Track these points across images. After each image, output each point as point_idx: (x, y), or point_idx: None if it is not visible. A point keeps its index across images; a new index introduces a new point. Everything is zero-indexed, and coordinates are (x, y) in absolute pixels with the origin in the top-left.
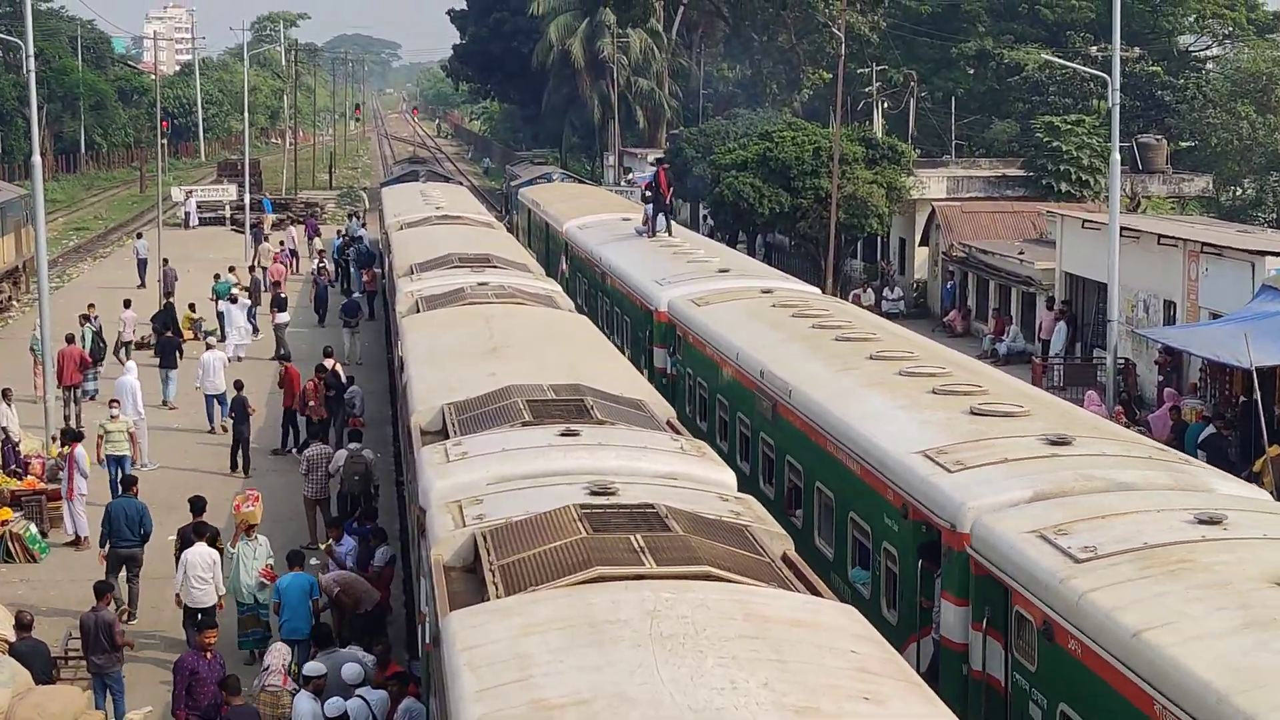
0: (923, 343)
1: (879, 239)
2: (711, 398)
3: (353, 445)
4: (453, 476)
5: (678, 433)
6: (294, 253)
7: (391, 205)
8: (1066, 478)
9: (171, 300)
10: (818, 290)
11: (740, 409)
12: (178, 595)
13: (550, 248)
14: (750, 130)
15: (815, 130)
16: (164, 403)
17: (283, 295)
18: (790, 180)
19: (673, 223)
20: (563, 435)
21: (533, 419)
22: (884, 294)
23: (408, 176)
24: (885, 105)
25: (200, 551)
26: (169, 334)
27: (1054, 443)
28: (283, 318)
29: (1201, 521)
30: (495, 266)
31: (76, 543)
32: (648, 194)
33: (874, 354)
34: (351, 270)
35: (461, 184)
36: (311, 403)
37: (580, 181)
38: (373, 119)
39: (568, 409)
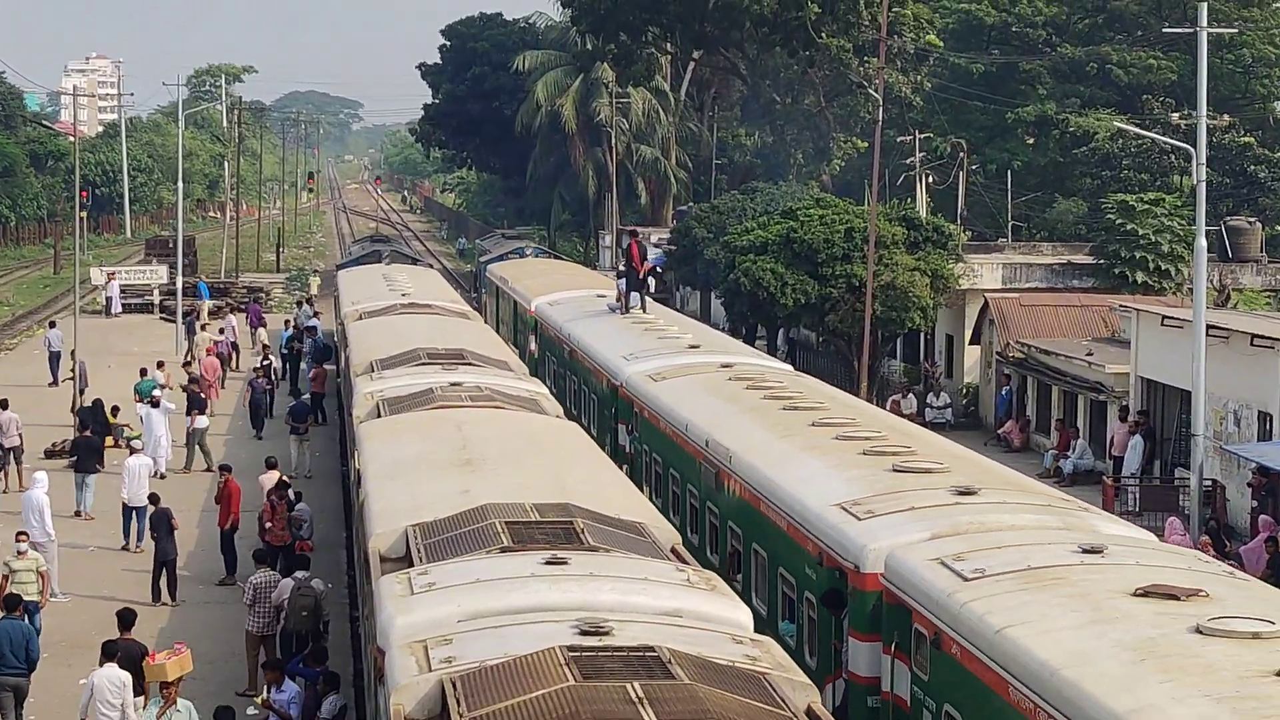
0: (870, 411)
1: (922, 336)
2: (665, 472)
3: (300, 574)
4: (417, 611)
5: (684, 561)
6: (234, 346)
7: (349, 291)
8: (963, 520)
9: (99, 399)
10: (788, 366)
11: (690, 481)
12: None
13: (519, 327)
14: (771, 207)
15: (847, 208)
16: (77, 513)
17: (202, 396)
18: (818, 266)
19: (647, 299)
20: (548, 564)
21: (513, 544)
22: (928, 400)
23: (369, 258)
24: (930, 179)
25: (108, 674)
26: (88, 433)
27: (961, 492)
28: (201, 421)
29: (1084, 550)
30: (470, 364)
31: None
32: (621, 268)
33: (815, 421)
34: (302, 366)
35: (432, 266)
36: (269, 524)
37: (556, 257)
38: (328, 190)
39: (554, 533)
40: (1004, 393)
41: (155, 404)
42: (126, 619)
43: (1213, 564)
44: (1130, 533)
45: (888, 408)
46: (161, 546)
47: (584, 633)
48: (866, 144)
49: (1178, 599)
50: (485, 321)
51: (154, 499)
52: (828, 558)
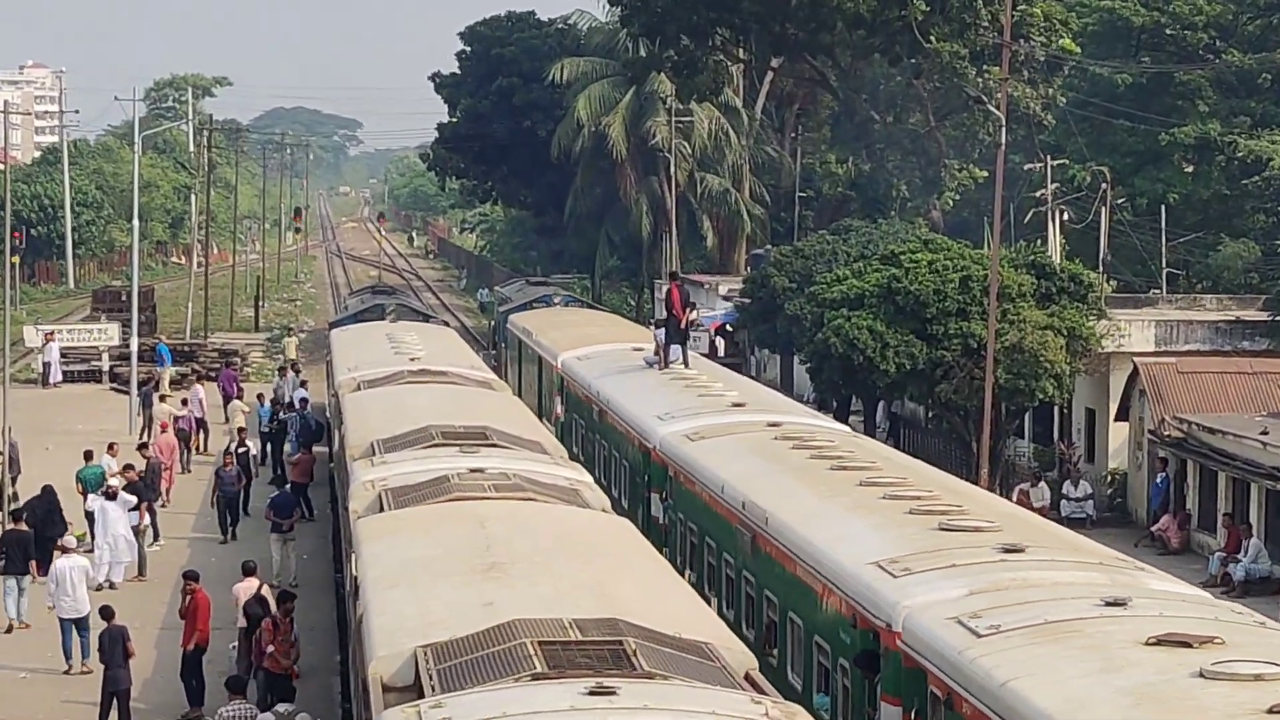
0: (922, 469)
1: (1057, 410)
2: (701, 542)
3: (283, 707)
4: None
5: (761, 691)
6: (201, 423)
7: (346, 354)
8: (1003, 578)
9: (50, 485)
10: (844, 427)
11: (725, 548)
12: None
13: (543, 386)
14: (869, 251)
15: (963, 252)
16: (10, 626)
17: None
18: (927, 324)
19: (689, 352)
20: (592, 694)
21: (548, 670)
22: (1064, 491)
23: (370, 313)
24: (1065, 216)
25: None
26: (21, 526)
27: (1007, 550)
28: (128, 500)
29: (1107, 603)
30: (496, 445)
31: None
32: (662, 318)
33: (863, 480)
34: (286, 449)
35: (448, 324)
36: (270, 648)
37: (591, 307)
38: (320, 229)
39: (600, 655)
40: (1159, 481)
41: (111, 495)
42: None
43: (1245, 614)
44: (1172, 588)
45: (1014, 499)
46: (113, 674)
47: None
48: (986, 173)
49: (1190, 646)
50: (505, 378)
51: (106, 613)
52: (861, 619)
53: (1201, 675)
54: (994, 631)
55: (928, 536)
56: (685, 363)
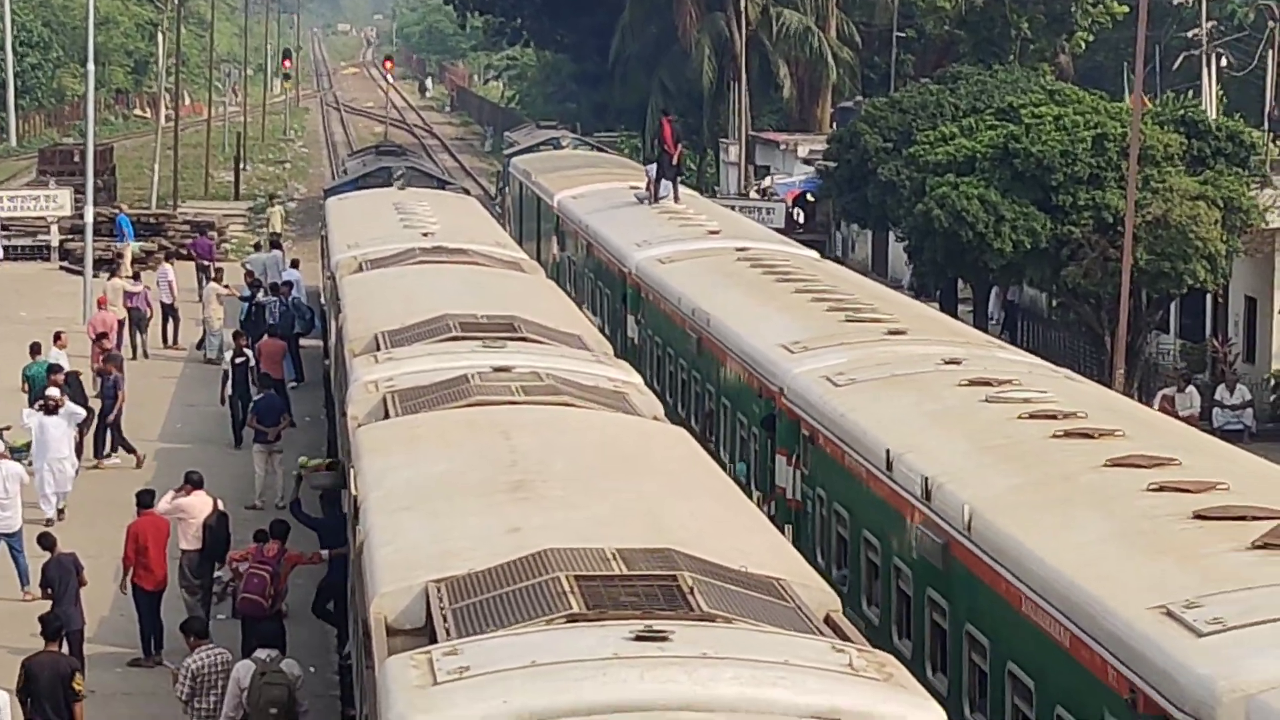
0: (870, 285)
1: (1210, 299)
2: (663, 352)
3: (264, 653)
4: (443, 710)
5: (843, 636)
6: (170, 310)
7: (344, 229)
8: (879, 352)
9: None
10: (812, 253)
11: (680, 354)
12: None
13: (542, 227)
14: (982, 104)
15: (1097, 105)
16: None
17: (106, 372)
18: (1052, 193)
19: (678, 187)
20: (640, 639)
21: (587, 610)
22: (1218, 396)
23: (374, 178)
24: (1223, 63)
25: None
26: None
27: (891, 333)
28: (75, 413)
29: (945, 361)
30: (526, 339)
31: None
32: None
33: (799, 289)
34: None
35: (469, 192)
36: (258, 597)
37: (600, 150)
38: (314, 77)
39: (649, 593)
40: None
41: (52, 409)
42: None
43: (1060, 373)
44: (1015, 356)
45: (1156, 406)
46: (63, 611)
47: None
48: (1127, 8)
49: (990, 385)
50: (505, 226)
51: (46, 542)
52: (765, 389)
53: (987, 401)
54: (850, 383)
55: (833, 326)
56: (675, 198)
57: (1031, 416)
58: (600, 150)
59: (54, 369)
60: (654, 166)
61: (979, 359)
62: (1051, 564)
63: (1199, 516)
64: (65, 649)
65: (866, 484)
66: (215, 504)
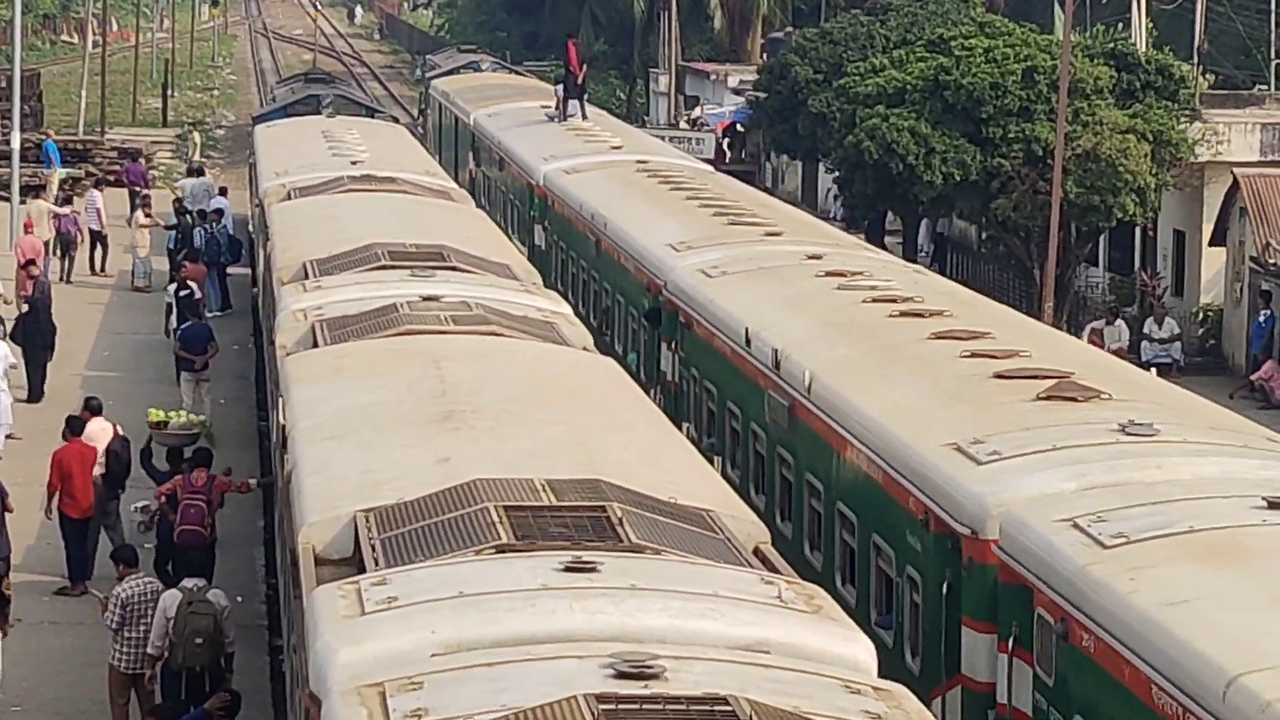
0: (754, 194)
1: (1139, 232)
2: (567, 256)
3: (192, 582)
4: (371, 641)
5: (773, 568)
6: (99, 236)
7: (272, 157)
8: (759, 250)
9: None
10: (706, 166)
11: (582, 256)
12: None
13: (459, 144)
14: (912, 35)
15: (1027, 37)
16: None
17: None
18: (982, 125)
19: (585, 105)
20: (569, 570)
21: (516, 541)
22: (1146, 330)
23: (302, 106)
24: None
25: None
26: None
27: (769, 234)
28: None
29: (809, 256)
30: (455, 268)
31: None
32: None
33: (689, 196)
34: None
35: (398, 121)
36: (197, 527)
37: (518, 73)
38: (242, 3)
39: (578, 524)
40: (1261, 320)
41: None
42: None
43: (910, 268)
44: (874, 255)
45: (1085, 338)
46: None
47: (621, 674)
48: None
49: (843, 275)
50: (426, 147)
51: None
52: (652, 285)
53: (838, 289)
54: (722, 275)
55: (716, 229)
56: (583, 116)
57: (874, 300)
58: (516, 73)
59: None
60: (562, 87)
61: (838, 255)
62: (869, 414)
63: (998, 376)
64: None
65: (730, 360)
66: (115, 430)
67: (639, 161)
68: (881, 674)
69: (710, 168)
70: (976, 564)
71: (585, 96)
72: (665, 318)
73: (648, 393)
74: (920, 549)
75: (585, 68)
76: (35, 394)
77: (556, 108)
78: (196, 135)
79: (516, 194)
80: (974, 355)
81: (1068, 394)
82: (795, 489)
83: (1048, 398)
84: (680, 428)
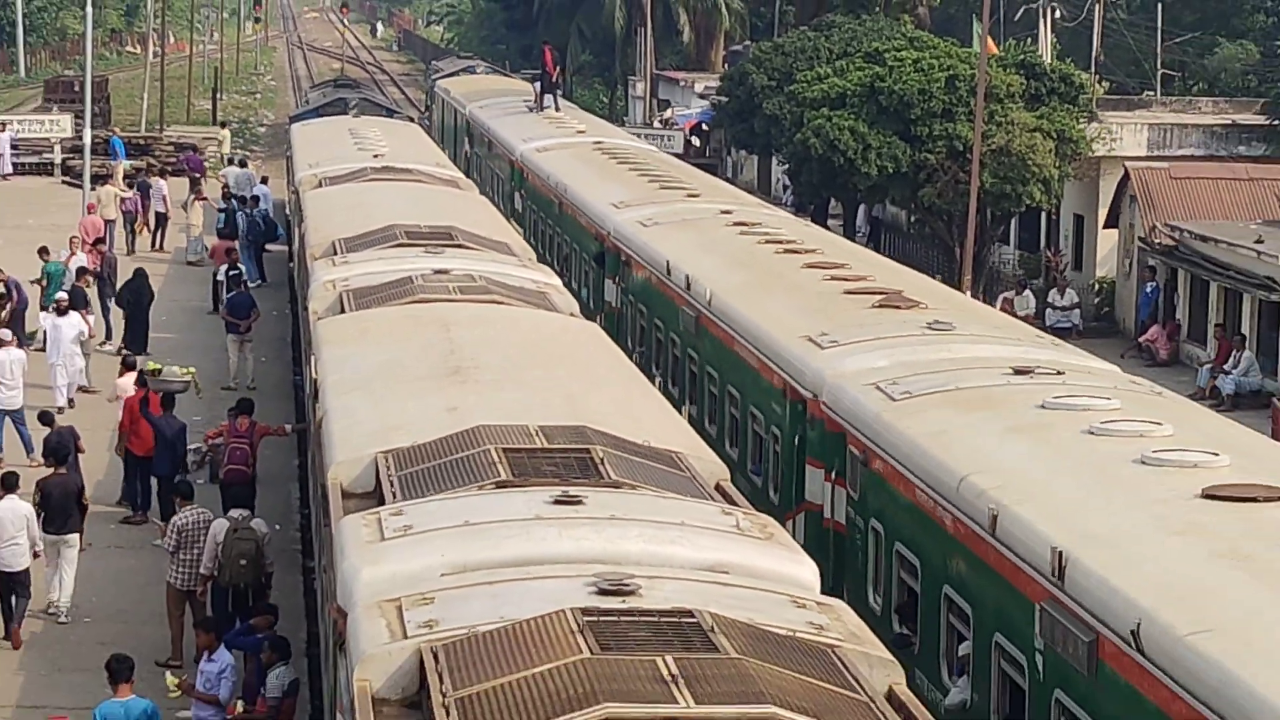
0: (685, 167)
1: (1044, 216)
2: (539, 218)
3: (237, 513)
4: (389, 563)
5: (732, 502)
6: (162, 218)
7: (306, 150)
8: (663, 208)
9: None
10: (651, 148)
11: (549, 217)
12: None
13: (457, 132)
14: (852, 49)
15: (950, 50)
16: None
17: (94, 272)
18: (911, 125)
19: (559, 99)
20: (557, 503)
21: (513, 478)
22: (1050, 299)
23: (331, 108)
24: (1057, 14)
25: (9, 506)
26: None
27: (664, 187)
28: (81, 324)
29: (721, 211)
30: (462, 246)
31: None
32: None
33: (632, 168)
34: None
35: (413, 120)
36: (242, 466)
37: (504, 75)
38: (280, 20)
39: (566, 463)
40: (1148, 290)
41: (63, 311)
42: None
43: (801, 222)
44: (774, 212)
45: (998, 306)
46: (65, 432)
47: (603, 591)
48: None
49: (746, 225)
50: (432, 136)
51: (46, 419)
52: (600, 235)
53: (741, 234)
54: (653, 225)
55: (651, 192)
56: (556, 108)
57: (765, 242)
58: (506, 76)
59: (82, 271)
60: (539, 84)
61: (746, 211)
62: (750, 319)
63: (847, 293)
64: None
65: (656, 288)
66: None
67: (596, 143)
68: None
69: (653, 148)
70: (815, 419)
71: (559, 93)
72: (609, 259)
73: (593, 318)
74: (780, 412)
75: (559, 69)
76: (139, 347)
77: (535, 101)
78: (225, 131)
79: (500, 169)
80: (832, 279)
81: (894, 304)
82: (700, 379)
83: (879, 306)
84: (620, 341)
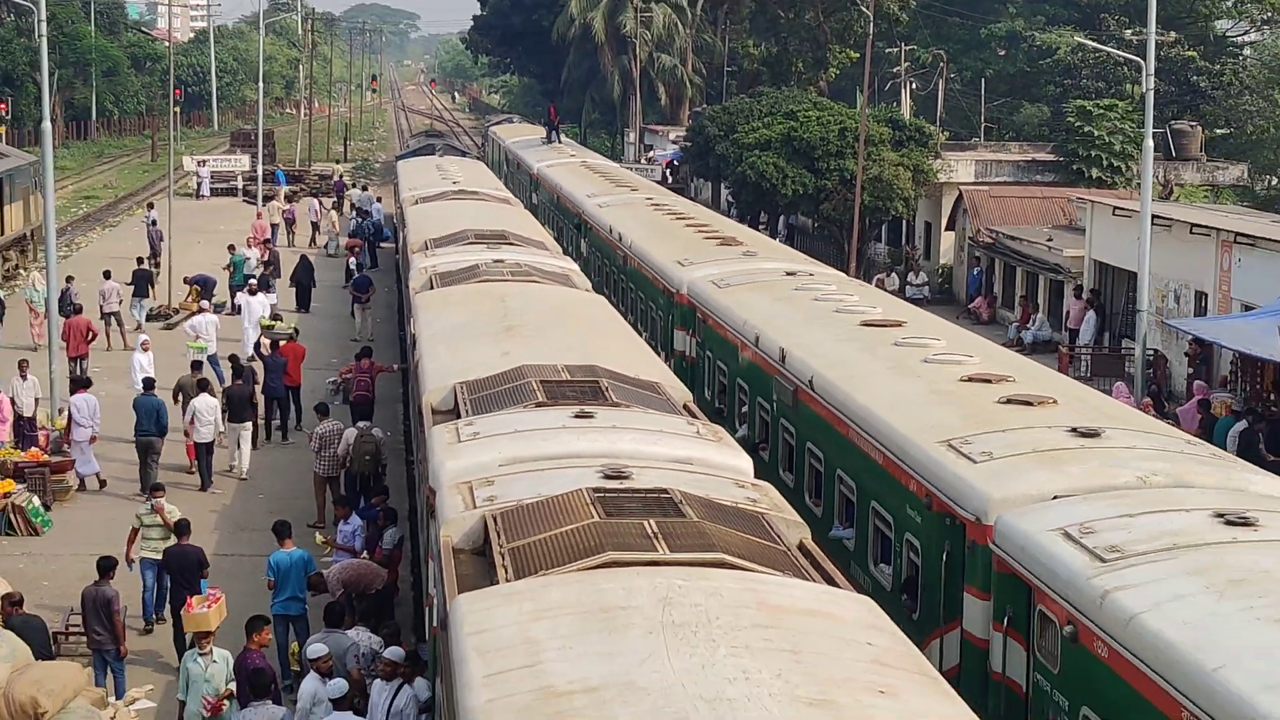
0: (648, 184)
1: (904, 223)
2: (548, 210)
3: (362, 424)
4: (464, 457)
5: (694, 417)
6: (316, 225)
7: (407, 179)
8: (622, 197)
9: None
10: (613, 164)
11: (552, 208)
12: (186, 432)
13: (501, 160)
14: (775, 109)
15: (841, 110)
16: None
17: (266, 264)
18: (814, 161)
19: (561, 136)
20: (576, 417)
21: (546, 400)
22: (908, 279)
23: (424, 150)
24: (913, 86)
25: (205, 402)
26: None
27: (627, 188)
28: (265, 301)
29: (651, 203)
30: (511, 243)
31: (82, 486)
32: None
33: (608, 178)
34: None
35: (479, 159)
36: (365, 393)
37: (531, 124)
38: (389, 91)
39: (582, 390)
40: (975, 273)
41: (254, 291)
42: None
43: (719, 216)
44: (690, 204)
45: (873, 284)
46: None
47: (607, 477)
48: (858, 54)
49: (667, 208)
50: (486, 161)
51: (235, 363)
52: (579, 214)
53: (662, 215)
54: (607, 207)
55: (611, 190)
56: (559, 142)
57: (674, 218)
58: (533, 124)
59: (264, 264)
60: (547, 127)
61: (668, 204)
62: (655, 257)
63: (722, 243)
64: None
65: (605, 242)
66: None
67: (583, 163)
68: (757, 477)
69: (613, 164)
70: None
71: (559, 133)
72: (585, 230)
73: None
74: (576, 226)
75: (558, 119)
76: (305, 309)
77: (545, 138)
78: (339, 166)
79: (521, 180)
80: (723, 244)
81: (748, 251)
82: (626, 293)
83: (742, 255)
84: (589, 273)
